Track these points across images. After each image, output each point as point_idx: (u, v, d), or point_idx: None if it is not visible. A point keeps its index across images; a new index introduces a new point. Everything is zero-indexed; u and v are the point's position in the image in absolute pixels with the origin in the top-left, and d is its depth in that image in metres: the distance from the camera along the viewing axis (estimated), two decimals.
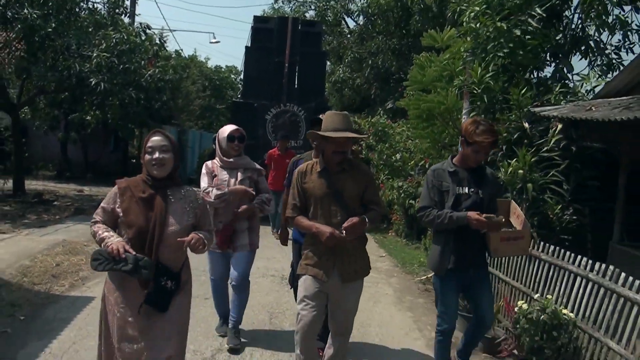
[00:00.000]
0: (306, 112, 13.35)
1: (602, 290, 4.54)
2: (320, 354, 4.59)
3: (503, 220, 4.23)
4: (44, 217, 11.53)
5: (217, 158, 5.27)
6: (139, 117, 15.60)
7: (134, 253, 3.23)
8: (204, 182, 5.14)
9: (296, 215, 4.21)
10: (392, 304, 7.00)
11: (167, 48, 17.66)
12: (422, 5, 18.07)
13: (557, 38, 7.13)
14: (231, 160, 5.16)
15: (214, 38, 36.46)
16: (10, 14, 11.86)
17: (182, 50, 33.52)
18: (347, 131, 4.05)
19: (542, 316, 4.66)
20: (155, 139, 3.48)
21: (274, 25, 14.35)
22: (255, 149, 11.33)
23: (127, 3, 15.77)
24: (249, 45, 14.85)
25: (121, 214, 3.41)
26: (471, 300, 4.72)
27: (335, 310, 4.20)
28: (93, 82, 11.73)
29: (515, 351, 5.14)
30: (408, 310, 6.79)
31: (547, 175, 5.95)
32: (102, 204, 3.52)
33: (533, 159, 5.88)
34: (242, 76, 15.43)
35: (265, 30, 14.24)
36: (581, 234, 6.44)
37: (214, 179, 5.14)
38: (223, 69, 35.84)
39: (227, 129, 5.24)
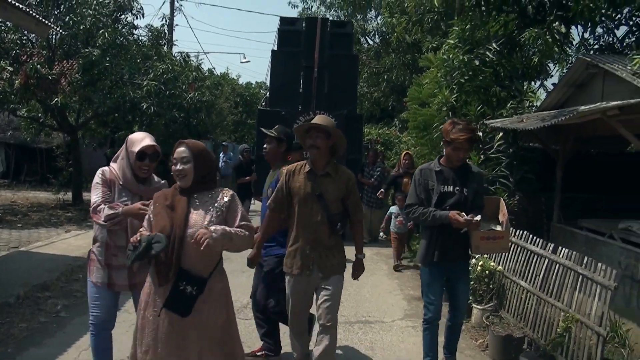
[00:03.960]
0: (337, 119, 11.13)
1: (518, 248, 6.46)
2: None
3: (479, 219, 4.41)
4: None
5: (119, 171, 4.06)
6: (179, 134, 17.73)
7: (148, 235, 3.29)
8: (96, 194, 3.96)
9: (270, 209, 4.62)
10: (385, 275, 8.99)
11: (202, 71, 19.88)
12: (430, 25, 19.84)
13: (516, 64, 9.02)
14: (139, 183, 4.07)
15: (244, 58, 38.76)
16: (66, 47, 14.20)
17: (214, 69, 35.78)
18: (319, 125, 4.38)
19: (478, 268, 6.59)
20: (178, 151, 3.49)
21: (301, 27, 13.05)
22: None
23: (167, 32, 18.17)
24: (275, 49, 13.54)
25: (152, 220, 3.50)
26: (449, 290, 4.92)
27: (319, 304, 4.45)
28: (145, 106, 13.97)
29: None
30: (396, 278, 8.76)
31: (494, 170, 7.89)
32: (146, 215, 3.62)
33: (481, 159, 7.84)
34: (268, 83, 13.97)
35: (292, 33, 13.01)
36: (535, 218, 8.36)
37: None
38: (253, 85, 38.28)
39: (139, 141, 4.02)
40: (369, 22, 26.08)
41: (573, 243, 7.53)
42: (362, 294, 7.74)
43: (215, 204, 3.47)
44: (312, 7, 28.14)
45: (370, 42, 26.15)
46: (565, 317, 5.06)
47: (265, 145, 5.26)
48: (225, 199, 3.52)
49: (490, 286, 6.55)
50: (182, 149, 3.48)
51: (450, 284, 4.86)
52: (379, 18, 24.64)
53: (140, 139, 4.00)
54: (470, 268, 6.55)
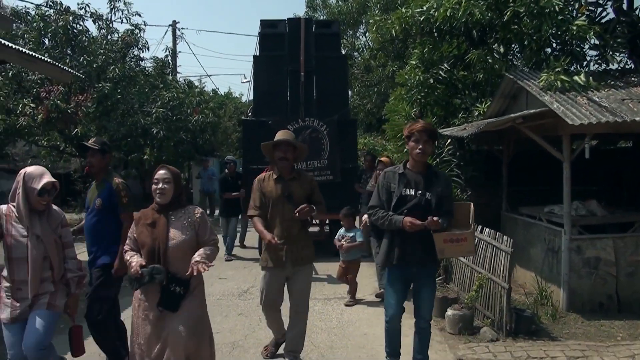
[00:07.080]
0: (328, 126, 11.18)
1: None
2: None
3: (438, 221, 4.34)
4: None
5: (16, 205, 4.17)
6: (188, 153, 19.41)
7: (148, 267, 3.84)
8: None
9: (255, 215, 5.14)
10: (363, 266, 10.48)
11: (205, 94, 21.54)
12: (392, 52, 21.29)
13: (465, 81, 10.62)
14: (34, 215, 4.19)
15: (245, 78, 40.21)
16: (80, 82, 15.92)
17: (218, 89, 37.52)
18: (288, 140, 5.08)
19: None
20: (160, 172, 4.06)
21: (284, 29, 12.03)
22: None
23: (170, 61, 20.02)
24: (257, 54, 12.45)
25: (137, 238, 4.06)
26: (414, 295, 4.89)
27: (292, 291, 5.20)
28: (155, 131, 15.70)
29: None
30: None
31: (447, 171, 9.48)
32: (128, 234, 4.19)
33: (436, 162, 9.45)
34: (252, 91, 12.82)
35: (274, 36, 12.02)
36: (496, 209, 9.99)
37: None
38: None
39: (38, 178, 4.15)
40: (359, 38, 27.79)
41: (515, 227, 9.15)
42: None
43: (189, 219, 4.09)
44: None
45: (360, 59, 27.78)
46: (478, 277, 6.69)
47: (89, 159, 5.09)
48: (197, 216, 4.14)
49: (441, 264, 8.16)
50: (164, 171, 4.09)
51: (415, 289, 4.85)
52: (366, 34, 26.35)
53: (40, 176, 4.12)
54: None
